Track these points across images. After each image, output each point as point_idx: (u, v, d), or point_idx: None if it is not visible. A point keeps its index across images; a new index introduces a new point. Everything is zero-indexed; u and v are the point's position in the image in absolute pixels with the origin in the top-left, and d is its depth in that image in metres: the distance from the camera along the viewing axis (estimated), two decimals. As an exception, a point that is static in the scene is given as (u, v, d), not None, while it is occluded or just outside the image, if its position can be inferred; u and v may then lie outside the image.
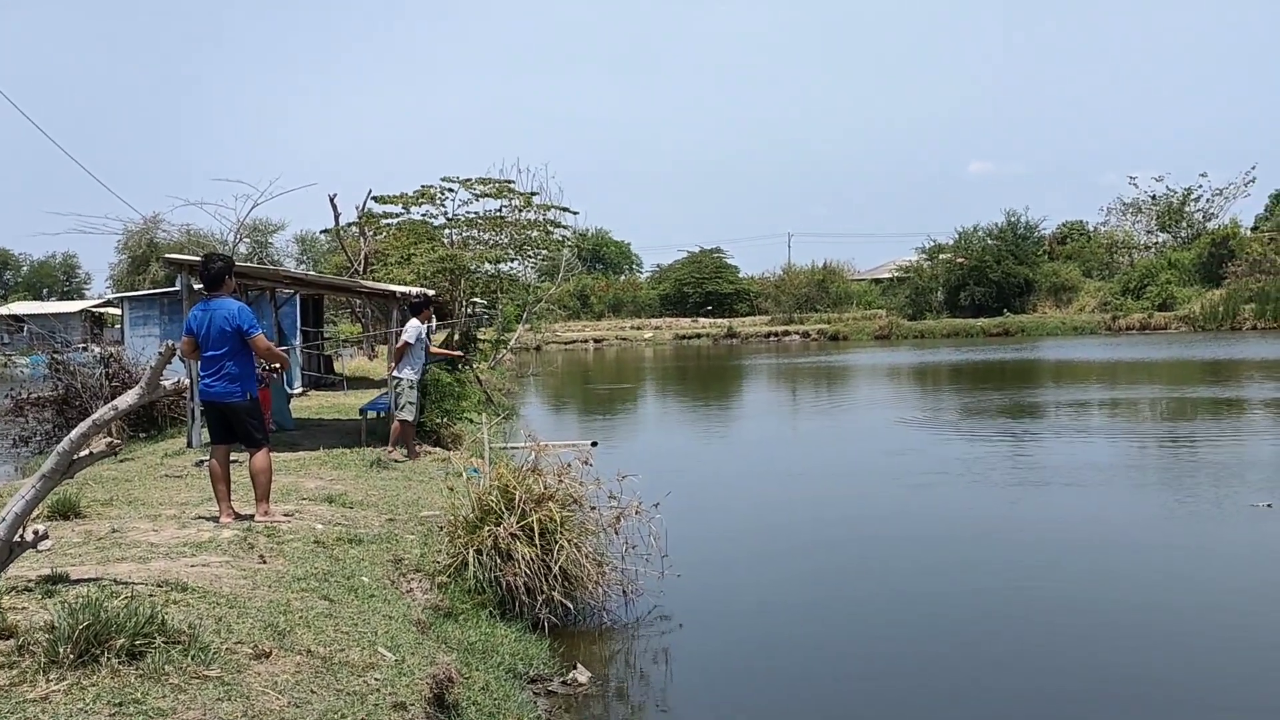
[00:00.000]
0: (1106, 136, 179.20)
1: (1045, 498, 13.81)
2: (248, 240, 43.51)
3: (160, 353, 5.90)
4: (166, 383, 6.02)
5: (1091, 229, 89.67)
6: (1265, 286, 62.07)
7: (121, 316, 28.17)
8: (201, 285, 9.37)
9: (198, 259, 10.97)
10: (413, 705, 5.10)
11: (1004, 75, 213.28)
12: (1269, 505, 12.43)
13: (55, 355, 20.25)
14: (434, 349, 15.72)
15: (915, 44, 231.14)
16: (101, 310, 68.17)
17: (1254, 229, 76.92)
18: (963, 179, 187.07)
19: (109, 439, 5.82)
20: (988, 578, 10.05)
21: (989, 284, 74.86)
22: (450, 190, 28.40)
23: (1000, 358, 45.35)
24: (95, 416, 5.67)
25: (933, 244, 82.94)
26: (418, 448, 14.08)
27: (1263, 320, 59.57)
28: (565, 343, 69.38)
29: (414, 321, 14.06)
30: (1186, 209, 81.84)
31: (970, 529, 12.14)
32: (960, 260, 77.66)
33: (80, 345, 29.03)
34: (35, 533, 5.73)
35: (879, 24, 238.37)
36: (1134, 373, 35.00)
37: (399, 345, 13.98)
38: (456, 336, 26.07)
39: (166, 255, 18.97)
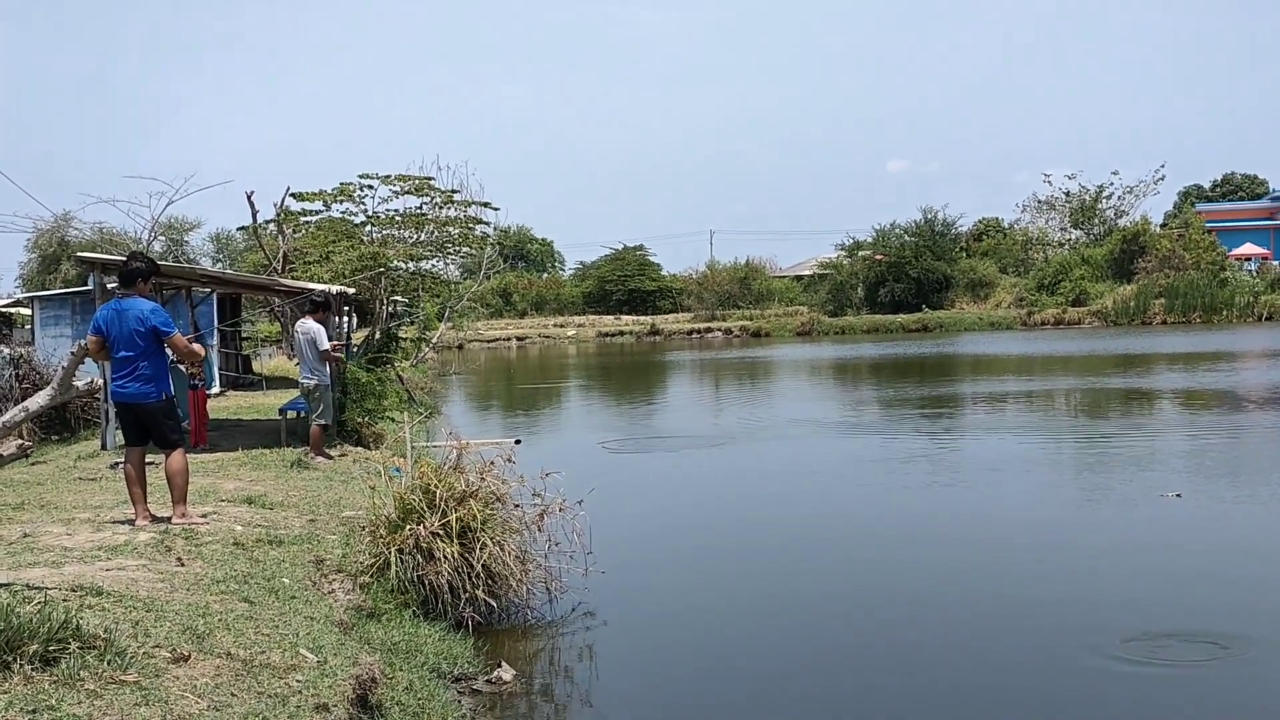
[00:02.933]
0: (1019, 136, 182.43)
1: (963, 492, 14.04)
2: (163, 238, 42.73)
3: (72, 353, 5.80)
4: (79, 383, 5.92)
5: (1007, 226, 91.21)
6: (1174, 282, 63.63)
7: (32, 317, 27.53)
8: (115, 284, 9.20)
9: (111, 258, 10.77)
10: (336, 706, 5.06)
11: (921, 74, 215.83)
12: (1178, 495, 12.75)
13: (-38, 357, 19.75)
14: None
15: (834, 43, 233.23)
16: (10, 310, 66.60)
17: (1163, 226, 78.77)
18: (881, 177, 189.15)
19: (20, 441, 5.70)
20: (911, 574, 10.16)
21: (908, 280, 75.71)
22: (370, 187, 28.15)
23: (920, 352, 45.95)
24: (5, 419, 5.55)
25: (852, 241, 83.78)
26: (330, 450, 13.88)
27: (1172, 315, 61.08)
28: (488, 341, 68.92)
29: (313, 322, 13.72)
30: (1099, 206, 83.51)
31: (896, 524, 12.29)
32: (879, 257, 78.46)
33: (-12, 346, 28.27)
34: (-57, 538, 5.60)
35: (798, 23, 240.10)
36: (1049, 366, 35.68)
37: (329, 349, 13.68)
38: (378, 335, 25.83)
39: (79, 254, 18.53)
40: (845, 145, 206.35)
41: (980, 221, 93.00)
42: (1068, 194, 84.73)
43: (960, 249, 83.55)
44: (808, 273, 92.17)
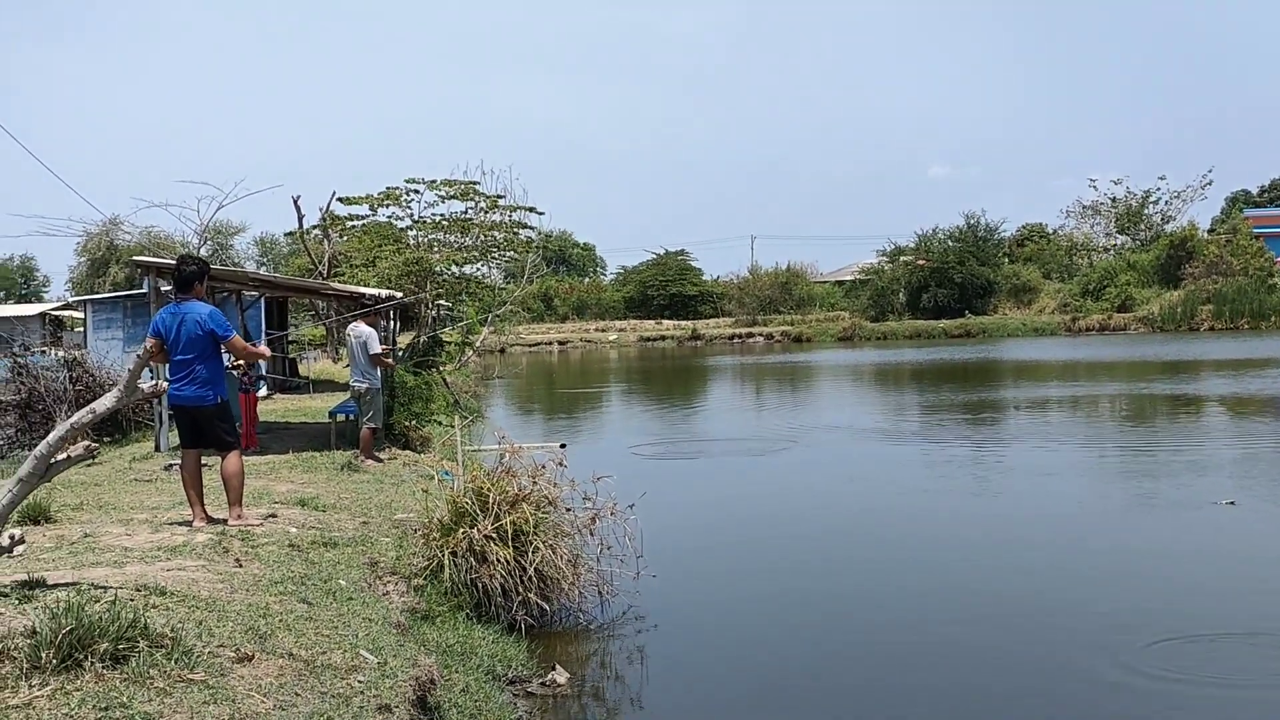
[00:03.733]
0: (1062, 141, 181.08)
1: (1014, 497, 13.96)
2: (210, 242, 43.20)
3: (138, 356, 5.87)
4: (144, 385, 5.99)
5: (1051, 231, 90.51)
6: (1222, 288, 62.91)
7: (84, 320, 27.90)
8: (171, 288, 9.31)
9: (166, 261, 10.90)
10: (397, 707, 5.10)
11: (963, 79, 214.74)
12: (1231, 503, 12.61)
13: (17, 359, 20.03)
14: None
15: (876, 48, 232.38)
16: (61, 313, 67.47)
17: (1211, 231, 77.95)
18: (922, 182, 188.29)
19: (87, 442, 5.78)
20: (963, 578, 10.12)
21: (951, 285, 75.26)
22: (415, 192, 28.31)
23: (963, 358, 45.67)
24: (73, 420, 5.64)
25: (894, 246, 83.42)
26: (380, 454, 13.97)
27: (1219, 321, 60.37)
28: (530, 345, 69.11)
29: (364, 326, 13.86)
30: (1145, 211, 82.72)
31: (942, 530, 12.23)
32: (922, 262, 78.06)
33: (40, 349, 28.65)
34: (11, 537, 5.70)
35: (841, 27, 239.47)
36: (1095, 372, 35.34)
37: (378, 353, 13.79)
38: (423, 339, 25.99)
39: (135, 258, 18.78)
40: (887, 150, 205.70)
41: (1024, 227, 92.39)
42: (1113, 199, 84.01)
43: (1003, 254, 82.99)
44: (849, 278, 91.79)
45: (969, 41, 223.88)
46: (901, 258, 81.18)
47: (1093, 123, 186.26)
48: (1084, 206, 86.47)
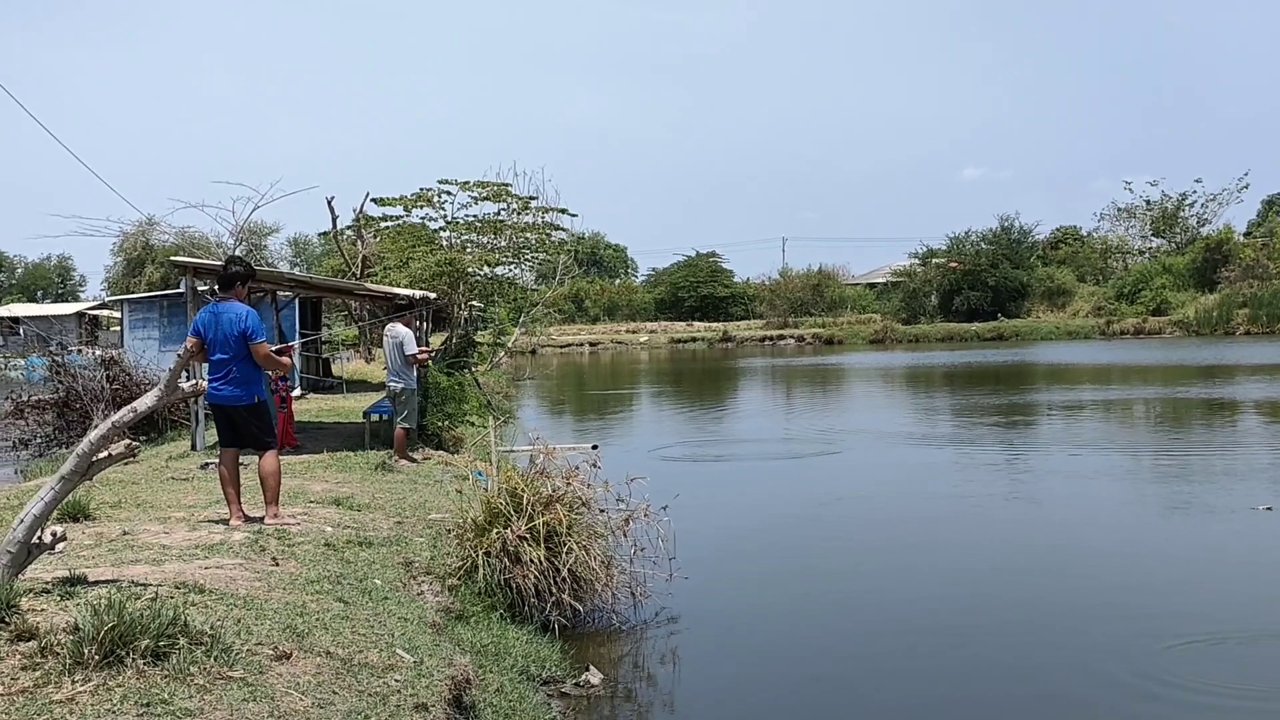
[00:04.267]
0: (1098, 143, 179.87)
1: (1049, 503, 13.88)
2: (245, 243, 43.49)
3: (179, 355, 5.92)
4: (185, 385, 6.04)
5: (1085, 234, 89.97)
6: (1258, 291, 62.35)
7: (120, 319, 28.14)
8: (209, 288, 9.39)
9: (204, 262, 10.99)
10: (433, 706, 5.12)
11: (996, 81, 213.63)
12: (1269, 509, 12.49)
13: (55, 358, 20.21)
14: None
15: (908, 49, 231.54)
16: (98, 312, 68.08)
17: (1247, 234, 77.29)
18: (955, 185, 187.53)
19: (128, 440, 5.84)
20: (998, 584, 10.09)
21: (983, 288, 74.91)
22: (448, 193, 28.41)
23: (997, 361, 45.43)
24: (115, 418, 5.69)
25: (926, 249, 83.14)
26: (414, 454, 14.03)
27: (1255, 325, 59.86)
28: (561, 346, 69.22)
29: (401, 326, 13.95)
30: (1181, 214, 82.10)
31: (980, 533, 12.19)
32: (954, 265, 77.74)
33: (77, 348, 28.92)
34: (53, 534, 5.75)
35: (873, 28, 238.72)
36: (1129, 376, 35.10)
37: (417, 354, 13.87)
38: (455, 340, 26.07)
39: (173, 259, 18.93)
40: (919, 153, 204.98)
41: (1058, 229, 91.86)
42: (1148, 202, 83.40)
43: (1037, 257, 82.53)
44: (881, 280, 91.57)
45: (1002, 42, 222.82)
46: (933, 260, 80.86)
47: (1128, 125, 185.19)
48: (1119, 209, 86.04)
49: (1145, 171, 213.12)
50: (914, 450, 18.89)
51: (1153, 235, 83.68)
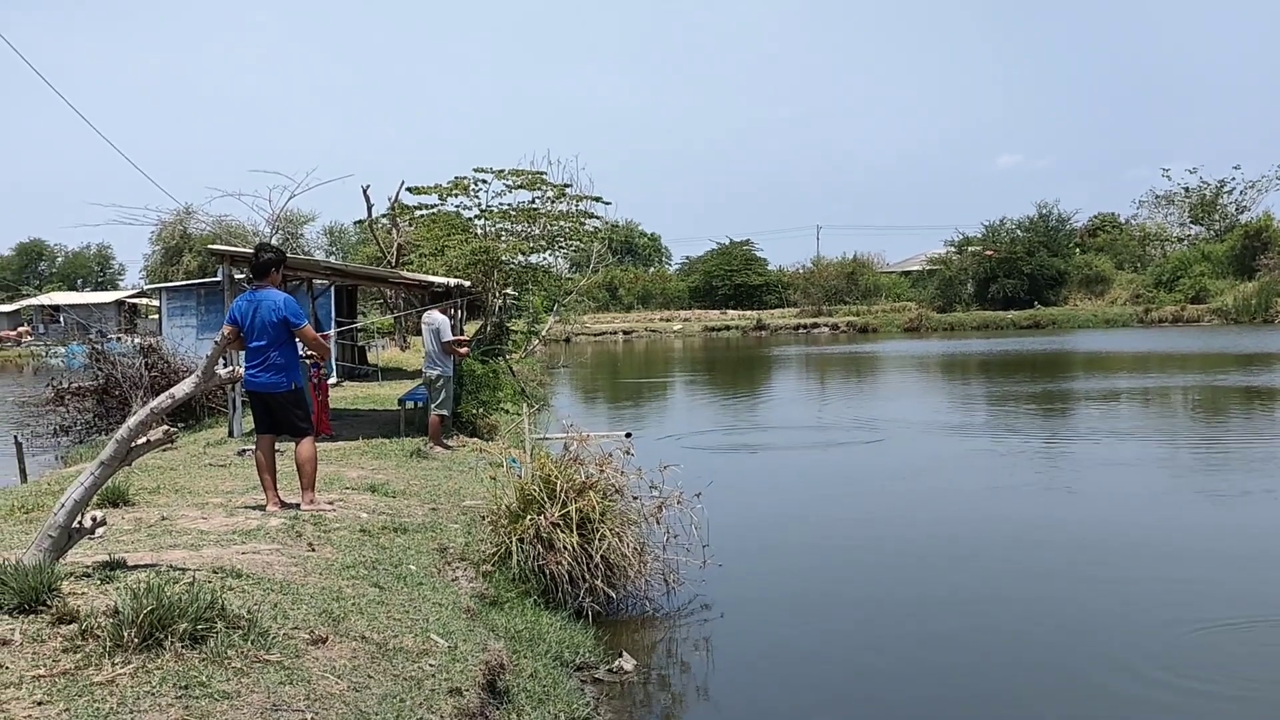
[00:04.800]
0: (1136, 130, 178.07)
1: (1090, 494, 13.76)
2: (281, 231, 43.80)
3: (216, 342, 5.98)
4: (221, 372, 6.09)
5: (1124, 221, 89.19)
6: (1298, 279, 61.68)
7: (158, 307, 28.40)
8: (245, 276, 9.44)
9: (241, 250, 11.05)
10: (468, 691, 5.16)
11: (1033, 67, 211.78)
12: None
13: (95, 345, 20.43)
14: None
15: (943, 36, 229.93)
16: (136, 301, 68.75)
17: (1286, 221, 76.35)
18: (991, 172, 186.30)
19: (166, 427, 5.90)
20: (1027, 575, 10.02)
21: (1020, 276, 74.42)
22: (484, 181, 28.46)
23: (1034, 348, 45.09)
24: (153, 404, 5.75)
25: (961, 237, 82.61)
26: (448, 441, 14.09)
27: (1296, 313, 59.24)
28: (595, 334, 69.33)
29: (438, 314, 14.01)
30: (1220, 201, 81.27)
31: (1011, 525, 12.08)
32: (990, 253, 77.24)
33: (116, 336, 29.23)
34: (93, 519, 5.82)
35: (908, 14, 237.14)
36: (1169, 364, 34.77)
37: (453, 341, 13.91)
38: (489, 328, 26.16)
39: (210, 247, 19.10)
40: (955, 140, 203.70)
41: (1096, 217, 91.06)
42: (1187, 189, 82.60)
43: (1074, 244, 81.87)
44: (916, 268, 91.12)
45: (1040, 29, 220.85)
46: (969, 248, 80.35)
47: (1167, 111, 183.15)
48: (1157, 196, 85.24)
49: (1184, 158, 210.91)
50: (951, 439, 18.79)
51: (1191, 223, 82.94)
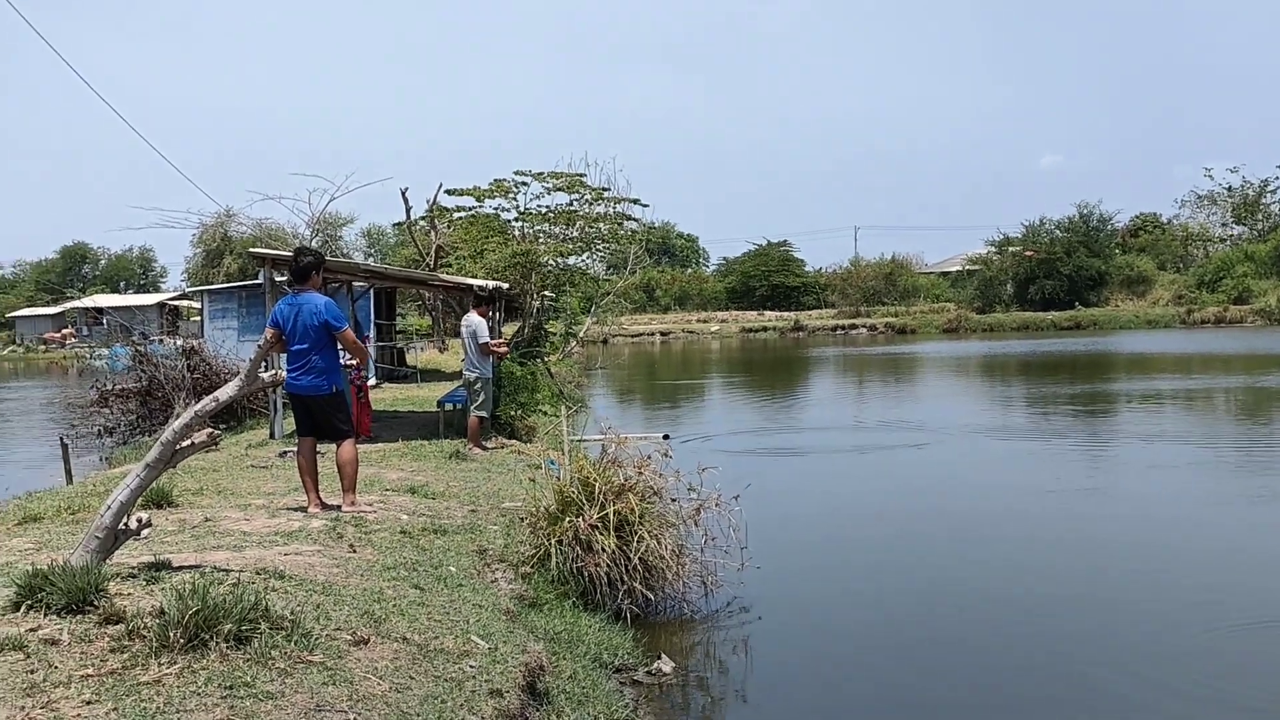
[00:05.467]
0: (1178, 129, 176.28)
1: (1133, 497, 13.66)
2: (320, 234, 44.14)
3: (258, 346, 6.04)
4: (265, 375, 6.16)
5: (1166, 222, 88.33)
6: (1343, 280, 60.95)
7: (200, 309, 28.69)
8: (287, 279, 9.51)
9: (282, 254, 11.14)
10: (508, 692, 5.19)
11: (1075, 67, 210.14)
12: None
13: (138, 348, 20.67)
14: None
15: (984, 36, 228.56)
16: (178, 303, 69.43)
17: (1332, 221, 75.47)
18: (1032, 172, 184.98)
19: (210, 429, 5.97)
20: (1079, 580, 9.92)
21: (1060, 277, 73.87)
22: (524, 184, 28.56)
23: (1076, 349, 44.73)
24: (197, 407, 5.82)
25: (1002, 237, 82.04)
26: (487, 443, 14.15)
27: (1340, 314, 58.54)
28: (632, 336, 69.41)
29: (476, 316, 14.06)
30: (1263, 201, 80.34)
31: (1062, 526, 11.97)
32: (1030, 253, 76.70)
33: (159, 338, 29.56)
34: (139, 520, 5.90)
35: (946, 14, 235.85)
36: (1212, 365, 34.42)
37: (488, 343, 13.96)
38: (527, 330, 26.24)
39: (251, 250, 19.27)
40: (995, 141, 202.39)
41: (1137, 217, 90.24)
42: (1230, 188, 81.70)
43: (1116, 245, 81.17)
44: (955, 269, 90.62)
45: (1081, 28, 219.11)
46: (1009, 248, 79.81)
47: (1210, 110, 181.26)
48: (1199, 196, 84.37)
49: (1227, 158, 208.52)
50: (992, 441, 18.68)
51: (1234, 222, 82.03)
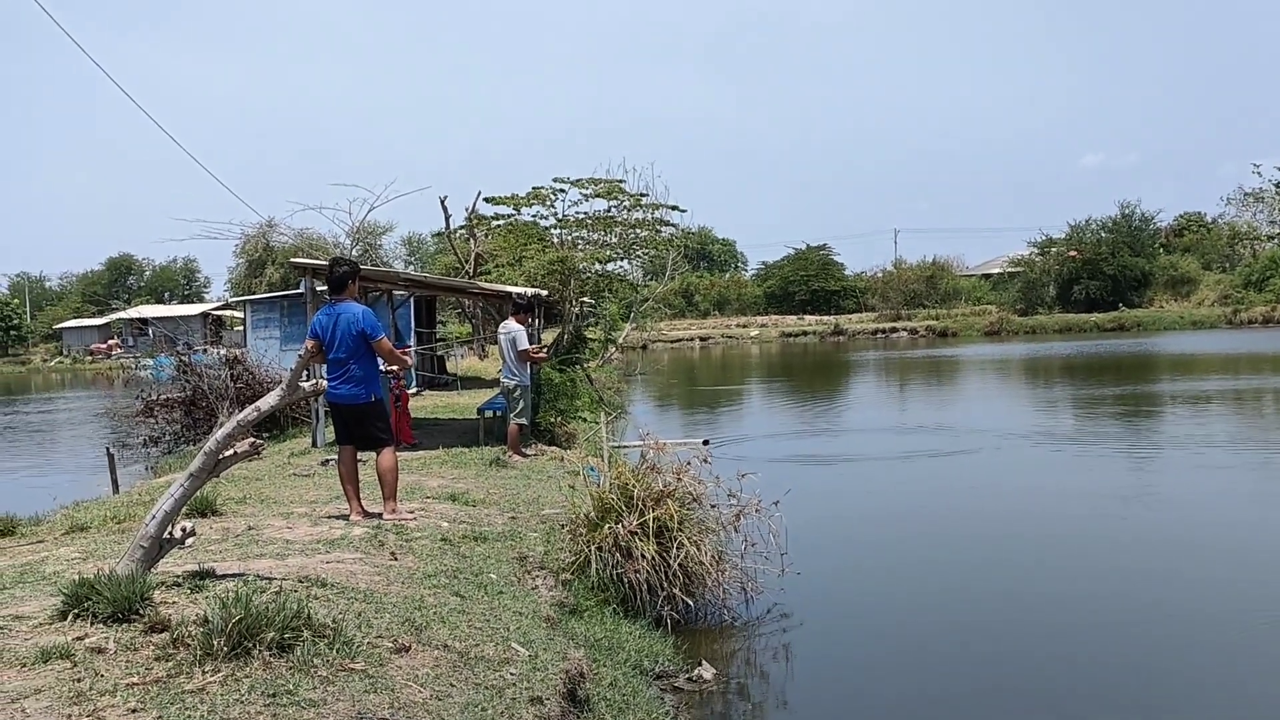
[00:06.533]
0: (1223, 125, 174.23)
1: (1179, 502, 13.51)
2: (361, 243, 44.43)
3: (299, 356, 6.09)
4: (306, 384, 6.21)
5: (1211, 220, 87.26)
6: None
7: (243, 319, 28.94)
8: (326, 289, 9.58)
9: (322, 263, 11.22)
10: (548, 700, 5.20)
11: (1117, 63, 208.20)
12: None
13: (182, 357, 20.88)
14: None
15: (1025, 33, 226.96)
16: (221, 313, 70.12)
17: (1384, 218, 74.30)
18: (1074, 172, 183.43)
19: (253, 439, 6.02)
20: (1112, 581, 9.85)
21: (1103, 278, 73.13)
22: (561, 191, 28.63)
23: (1120, 351, 44.27)
24: (240, 417, 5.88)
25: (1044, 238, 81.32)
26: (527, 449, 14.17)
27: (1390, 313, 57.63)
28: (672, 341, 69.41)
29: (514, 324, 14.06)
30: (1312, 198, 79.26)
31: (1109, 532, 11.85)
32: (1073, 254, 75.99)
33: (202, 348, 29.84)
34: (183, 529, 5.97)
35: (986, 12, 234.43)
36: (1262, 366, 33.98)
37: (527, 350, 13.99)
38: (566, 336, 26.30)
39: (293, 260, 19.41)
40: (1036, 140, 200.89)
41: (1181, 216, 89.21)
42: (1277, 185, 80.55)
43: (1160, 245, 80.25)
44: (996, 271, 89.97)
45: (1123, 24, 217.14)
46: (1052, 249, 79.10)
47: (1256, 106, 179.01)
48: (1246, 194, 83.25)
49: (1275, 154, 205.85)
50: (1038, 446, 18.51)
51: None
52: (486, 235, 33.52)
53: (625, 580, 8.19)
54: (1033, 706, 7.09)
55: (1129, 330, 63.63)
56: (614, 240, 29.05)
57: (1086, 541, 11.40)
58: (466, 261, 33.76)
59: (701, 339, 73.96)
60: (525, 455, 13.81)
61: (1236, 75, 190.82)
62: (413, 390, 24.26)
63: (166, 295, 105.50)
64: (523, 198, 29.03)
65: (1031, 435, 19.68)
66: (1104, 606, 9.01)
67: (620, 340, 31.44)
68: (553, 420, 16.05)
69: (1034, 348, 50.91)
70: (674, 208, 29.65)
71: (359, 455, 9.18)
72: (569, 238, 29.22)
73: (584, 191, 28.48)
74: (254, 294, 40.37)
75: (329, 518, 8.96)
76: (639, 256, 32.04)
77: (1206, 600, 9.05)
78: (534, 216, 29.78)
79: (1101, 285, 73.19)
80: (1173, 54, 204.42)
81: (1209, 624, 8.46)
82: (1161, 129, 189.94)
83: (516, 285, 20.53)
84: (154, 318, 60.68)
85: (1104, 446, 17.82)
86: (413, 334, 26.56)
